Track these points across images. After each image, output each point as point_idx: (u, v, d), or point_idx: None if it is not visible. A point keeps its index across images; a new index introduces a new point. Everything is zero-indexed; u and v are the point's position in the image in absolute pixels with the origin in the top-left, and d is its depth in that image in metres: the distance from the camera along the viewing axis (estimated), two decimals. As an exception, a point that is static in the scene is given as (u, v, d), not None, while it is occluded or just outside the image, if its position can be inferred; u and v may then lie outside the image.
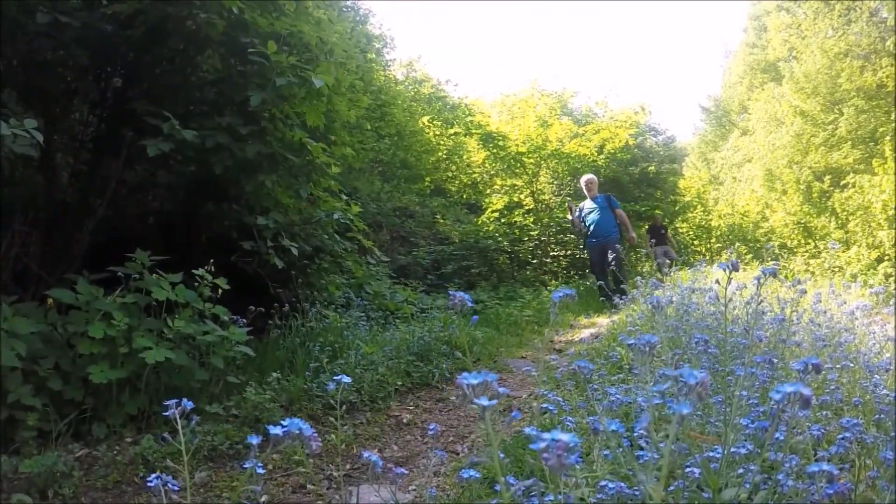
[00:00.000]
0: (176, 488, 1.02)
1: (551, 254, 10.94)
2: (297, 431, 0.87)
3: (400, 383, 3.71)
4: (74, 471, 2.37)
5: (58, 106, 4.28)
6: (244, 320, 3.47)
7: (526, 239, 10.96)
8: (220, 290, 3.32)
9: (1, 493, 2.29)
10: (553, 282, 9.55)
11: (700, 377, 0.83)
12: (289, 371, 3.56)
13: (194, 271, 3.23)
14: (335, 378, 1.29)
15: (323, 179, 4.97)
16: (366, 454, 1.09)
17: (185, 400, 1.05)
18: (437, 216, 11.45)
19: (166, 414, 1.04)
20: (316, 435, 0.88)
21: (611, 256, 7.59)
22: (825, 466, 1.03)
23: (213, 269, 3.28)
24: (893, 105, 12.45)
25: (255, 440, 0.93)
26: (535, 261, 10.89)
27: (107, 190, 4.13)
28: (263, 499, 2.39)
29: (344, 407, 3.51)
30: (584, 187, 8.47)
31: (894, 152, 10.89)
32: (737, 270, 1.59)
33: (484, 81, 65.96)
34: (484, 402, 0.65)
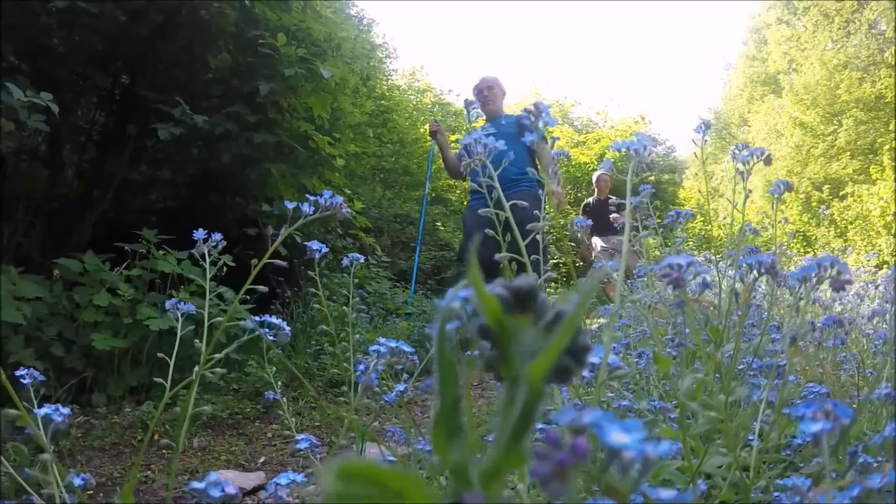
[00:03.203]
0: (194, 310, 1.06)
1: (551, 261, 10.98)
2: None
3: (401, 367, 3.74)
4: (72, 429, 2.40)
5: (68, 93, 4.35)
6: (248, 297, 3.50)
7: (527, 246, 11.00)
8: (224, 269, 3.36)
9: (-3, 447, 2.32)
10: (553, 284, 9.59)
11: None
12: (291, 352, 3.59)
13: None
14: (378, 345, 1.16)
15: (328, 172, 5.03)
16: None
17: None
18: (438, 223, 11.50)
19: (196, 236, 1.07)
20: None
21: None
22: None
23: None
24: (893, 116, 12.55)
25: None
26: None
27: (111, 184, 4.19)
28: (262, 459, 2.42)
29: (344, 387, 3.55)
30: (476, 96, 4.54)
31: (893, 162, 10.96)
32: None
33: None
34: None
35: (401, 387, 1.02)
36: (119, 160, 4.26)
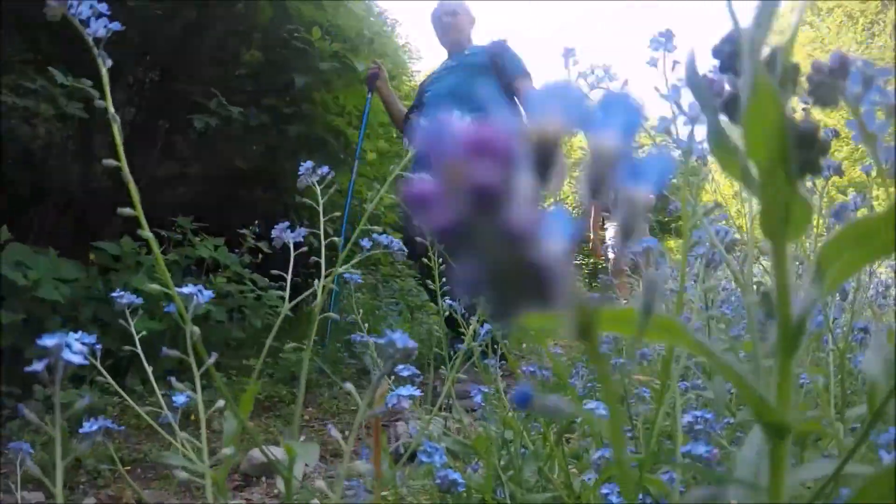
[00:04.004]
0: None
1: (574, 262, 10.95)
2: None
3: (432, 357, 3.74)
4: (109, 406, 2.39)
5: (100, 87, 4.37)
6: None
7: (549, 246, 10.97)
8: (260, 257, 3.38)
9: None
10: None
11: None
12: (322, 340, 3.60)
13: (238, 230, 3.30)
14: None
15: (360, 166, 5.05)
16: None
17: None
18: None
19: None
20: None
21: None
22: None
23: (258, 230, 3.35)
24: (920, 119, 12.38)
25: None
26: (557, 268, 10.89)
27: (140, 179, 4.21)
28: (302, 438, 2.40)
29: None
30: (433, 25, 3.58)
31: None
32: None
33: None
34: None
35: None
36: (148, 155, 4.28)
